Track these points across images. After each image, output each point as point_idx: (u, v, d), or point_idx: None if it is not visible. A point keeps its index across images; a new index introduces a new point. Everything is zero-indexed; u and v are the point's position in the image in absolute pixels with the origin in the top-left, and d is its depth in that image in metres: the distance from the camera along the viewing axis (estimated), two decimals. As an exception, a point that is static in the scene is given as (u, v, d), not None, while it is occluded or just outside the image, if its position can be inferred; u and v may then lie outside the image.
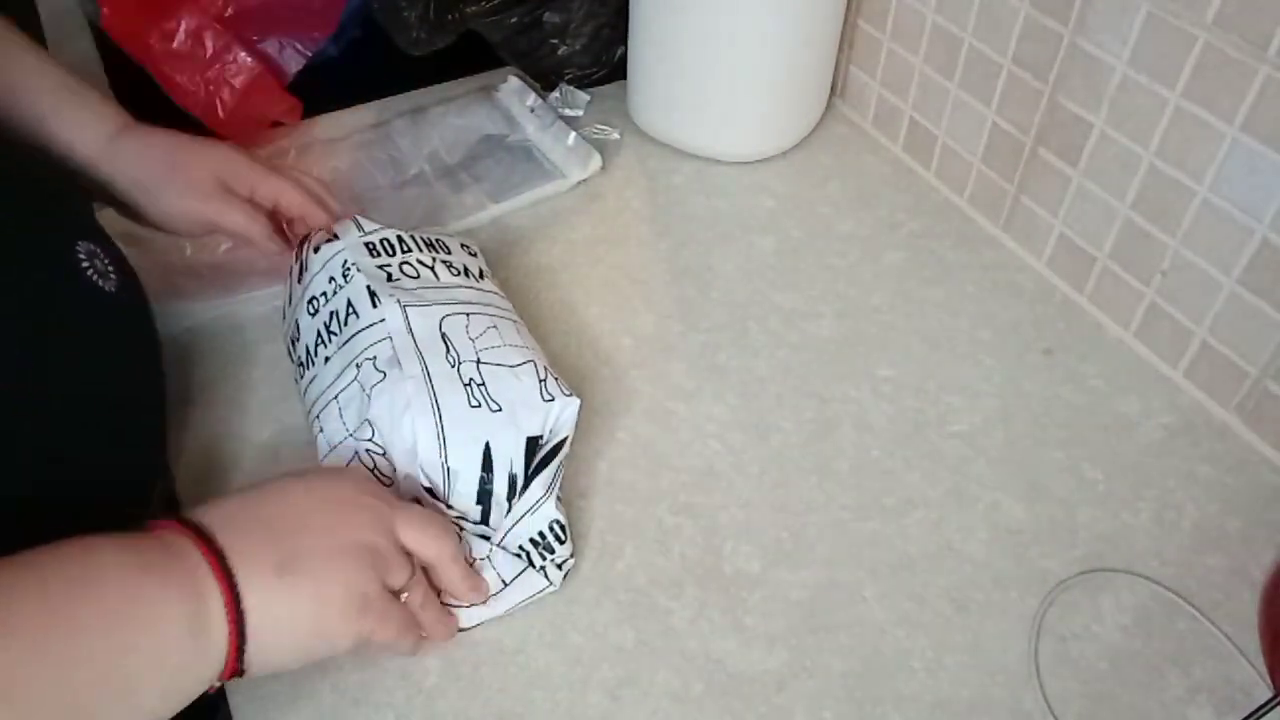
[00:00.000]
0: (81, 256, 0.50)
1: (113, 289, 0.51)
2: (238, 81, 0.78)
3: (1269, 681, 0.51)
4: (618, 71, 0.88)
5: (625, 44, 0.85)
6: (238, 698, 0.49)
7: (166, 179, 0.60)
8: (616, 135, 0.85)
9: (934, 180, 0.79)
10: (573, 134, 0.83)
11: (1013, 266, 0.74)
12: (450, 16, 0.82)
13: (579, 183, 0.80)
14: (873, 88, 0.86)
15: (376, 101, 0.89)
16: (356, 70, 0.92)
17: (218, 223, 0.62)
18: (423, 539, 0.48)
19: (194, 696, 0.40)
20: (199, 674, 0.40)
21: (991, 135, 0.75)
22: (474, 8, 0.82)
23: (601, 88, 0.90)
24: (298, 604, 0.42)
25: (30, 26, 0.79)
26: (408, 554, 0.47)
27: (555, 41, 0.85)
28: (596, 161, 0.81)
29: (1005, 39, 0.70)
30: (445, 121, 0.86)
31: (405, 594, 0.47)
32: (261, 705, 0.49)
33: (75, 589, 0.36)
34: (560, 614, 0.53)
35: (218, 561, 0.40)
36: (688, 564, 0.56)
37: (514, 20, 0.84)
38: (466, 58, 0.89)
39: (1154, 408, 0.64)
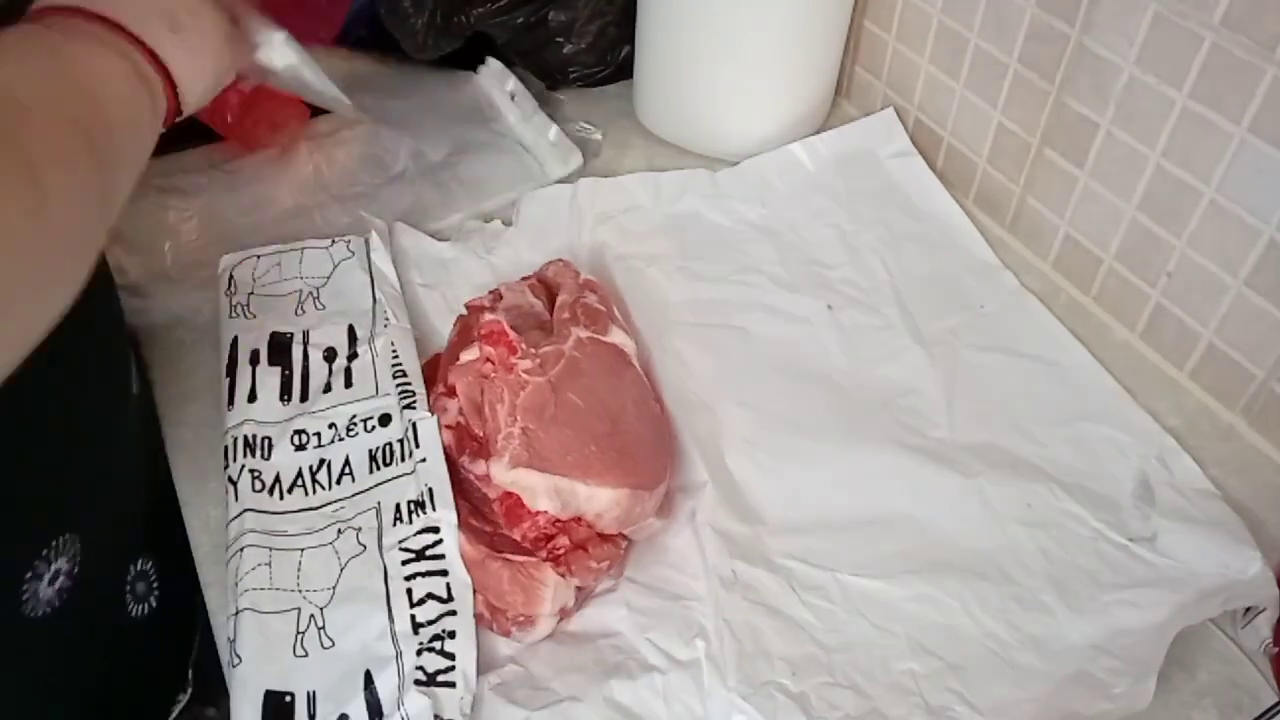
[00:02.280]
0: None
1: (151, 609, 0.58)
2: (245, 86, 0.78)
3: (1275, 685, 0.51)
4: (623, 70, 0.88)
5: (631, 43, 0.85)
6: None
7: None
8: (599, 135, 0.84)
9: (939, 181, 0.79)
10: (554, 128, 0.82)
11: (1018, 267, 0.73)
12: (456, 20, 0.82)
13: (559, 179, 0.80)
14: (878, 88, 0.86)
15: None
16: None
17: None
18: None
19: (158, 129, 0.50)
20: (154, 109, 0.49)
21: (997, 135, 0.75)
22: (480, 9, 0.82)
23: (607, 87, 0.90)
24: (195, 51, 0.52)
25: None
26: None
27: (560, 40, 0.85)
28: (577, 158, 0.81)
29: (1011, 39, 0.70)
30: (432, 122, 0.85)
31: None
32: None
33: (46, 51, 0.44)
34: None
35: (127, 32, 0.48)
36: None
37: (519, 20, 0.84)
38: (471, 56, 0.89)
39: (1159, 410, 0.64)
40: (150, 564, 0.59)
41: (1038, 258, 0.75)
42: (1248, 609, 0.53)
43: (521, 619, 0.51)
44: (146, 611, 0.58)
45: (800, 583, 0.54)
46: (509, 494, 0.52)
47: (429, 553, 0.52)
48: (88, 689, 0.55)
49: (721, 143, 0.82)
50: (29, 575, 0.47)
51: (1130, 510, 0.57)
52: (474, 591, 0.51)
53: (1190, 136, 0.60)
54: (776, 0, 0.75)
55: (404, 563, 0.52)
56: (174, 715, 0.63)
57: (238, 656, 0.49)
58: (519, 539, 0.53)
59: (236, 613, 0.51)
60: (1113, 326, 0.70)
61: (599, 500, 0.52)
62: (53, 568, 0.48)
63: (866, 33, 0.85)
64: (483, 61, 0.89)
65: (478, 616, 0.51)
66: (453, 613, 0.50)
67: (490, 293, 0.64)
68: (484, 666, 0.50)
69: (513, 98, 0.85)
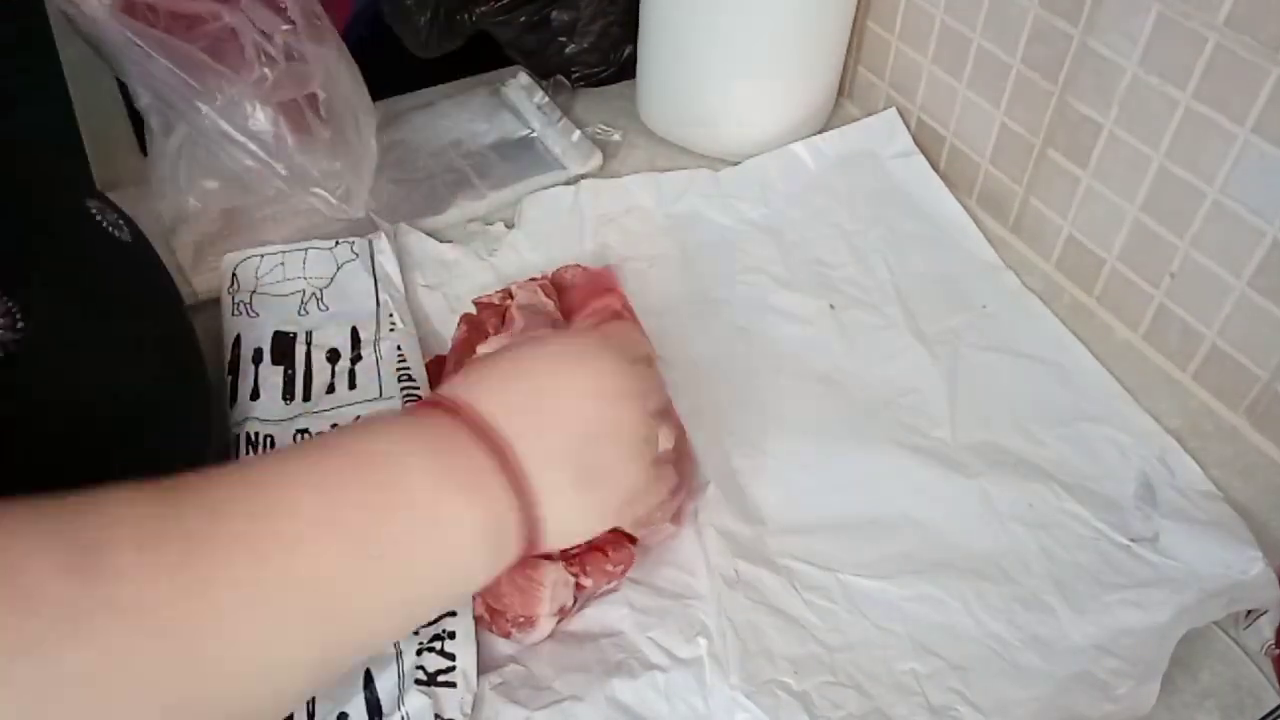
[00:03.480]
0: (93, 210, 0.51)
1: (128, 239, 0.52)
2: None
3: (1277, 687, 0.51)
4: (626, 70, 0.88)
5: (634, 43, 0.85)
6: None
7: None
8: (617, 136, 0.85)
9: (942, 181, 0.79)
10: (577, 131, 0.83)
11: (1021, 268, 0.73)
12: (459, 18, 0.82)
13: (578, 176, 0.80)
14: (880, 88, 0.86)
15: (384, 100, 0.89)
16: (364, 69, 0.92)
17: None
18: (665, 398, 0.48)
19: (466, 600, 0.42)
20: (480, 583, 0.40)
21: (1000, 136, 0.75)
22: (483, 8, 0.82)
23: (609, 86, 0.90)
24: (589, 513, 0.43)
25: (43, 36, 0.79)
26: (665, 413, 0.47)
27: (563, 40, 0.85)
28: (597, 159, 0.82)
29: (1015, 39, 0.70)
30: (453, 119, 0.86)
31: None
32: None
33: (382, 497, 0.36)
34: None
35: (514, 475, 0.39)
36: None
37: (522, 19, 0.84)
38: (474, 56, 0.89)
39: (1162, 411, 0.64)
40: None
41: (1040, 258, 0.75)
42: (1249, 611, 0.53)
43: (521, 620, 0.51)
44: None
45: (802, 582, 0.54)
46: None
47: None
48: None
49: (724, 143, 0.82)
50: None
51: (1132, 511, 0.57)
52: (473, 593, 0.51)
53: (1194, 137, 0.60)
54: (779, 0, 0.74)
55: None
56: None
57: None
58: None
59: None
60: (1115, 327, 0.69)
61: None
62: None
63: (869, 33, 0.85)
64: (484, 57, 0.89)
65: (478, 619, 0.51)
66: (453, 613, 0.50)
67: (500, 291, 0.64)
68: (485, 666, 0.50)
69: (539, 108, 0.85)
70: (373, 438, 0.38)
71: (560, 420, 0.42)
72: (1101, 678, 0.50)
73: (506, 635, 0.51)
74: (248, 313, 0.65)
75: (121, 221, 0.53)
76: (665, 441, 0.48)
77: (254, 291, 0.66)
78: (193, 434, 0.53)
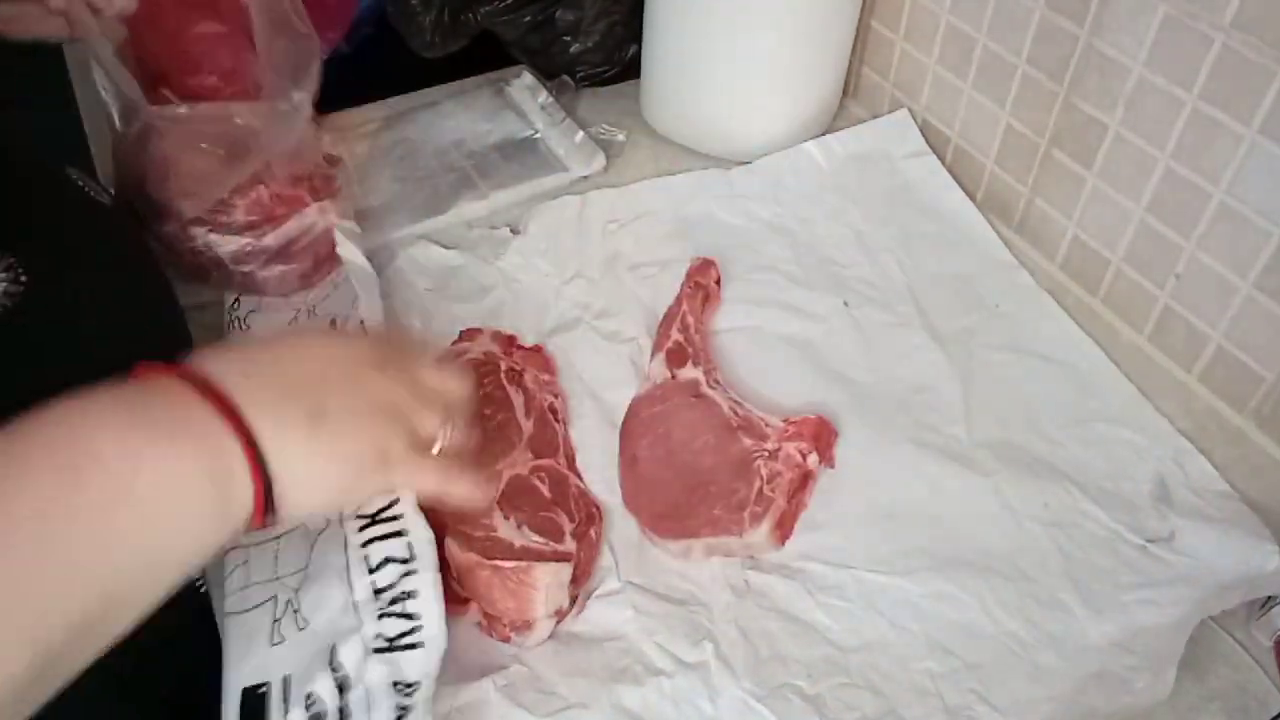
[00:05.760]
0: (74, 175, 0.54)
1: (107, 203, 0.55)
2: None
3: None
4: (630, 70, 0.88)
5: (638, 42, 0.85)
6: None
7: None
8: (621, 137, 0.85)
9: (947, 181, 0.79)
10: (580, 132, 0.83)
11: (1026, 268, 0.73)
12: (464, 18, 0.82)
13: (581, 178, 0.80)
14: (885, 88, 0.86)
15: (388, 99, 0.89)
16: (369, 67, 0.92)
17: None
18: (446, 381, 0.47)
19: (215, 552, 0.38)
20: (218, 538, 0.38)
21: (1005, 136, 0.74)
22: (488, 7, 0.82)
23: (614, 86, 0.90)
24: (326, 464, 0.41)
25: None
26: (436, 404, 0.46)
27: (568, 39, 0.85)
28: (600, 160, 0.81)
29: (1020, 40, 0.70)
30: (457, 119, 0.86)
31: (438, 444, 0.46)
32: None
33: (67, 479, 0.34)
34: None
35: (237, 419, 0.38)
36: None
37: (527, 19, 0.84)
38: (478, 55, 0.89)
39: (1167, 412, 0.63)
40: None
41: (1045, 259, 0.74)
42: (1265, 601, 0.53)
43: (517, 624, 0.51)
44: None
45: (816, 584, 0.54)
46: None
47: (383, 515, 0.49)
48: None
49: (727, 143, 0.82)
50: None
51: (1148, 511, 0.57)
52: (469, 601, 0.51)
53: (1200, 138, 0.59)
54: (784, 1, 0.74)
55: (360, 529, 0.49)
56: None
57: (226, 664, 0.49)
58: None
59: (220, 623, 0.50)
60: (1120, 329, 0.69)
61: None
62: None
63: (874, 33, 0.85)
64: (489, 56, 0.89)
65: (477, 624, 0.51)
66: (412, 572, 0.48)
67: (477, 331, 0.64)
68: (489, 667, 0.50)
69: (543, 108, 0.85)
70: (71, 404, 0.36)
71: (288, 371, 0.41)
72: (1119, 674, 0.50)
73: (506, 640, 0.51)
74: (240, 326, 0.66)
75: (99, 188, 0.56)
76: (444, 438, 0.46)
77: (253, 311, 0.67)
78: None
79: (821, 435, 0.58)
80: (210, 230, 0.65)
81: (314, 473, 0.40)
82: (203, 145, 0.63)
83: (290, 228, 0.67)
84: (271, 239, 0.66)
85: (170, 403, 0.37)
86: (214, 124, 0.63)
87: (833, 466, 0.59)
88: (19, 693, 0.32)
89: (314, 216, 0.67)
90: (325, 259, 0.68)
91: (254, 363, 0.41)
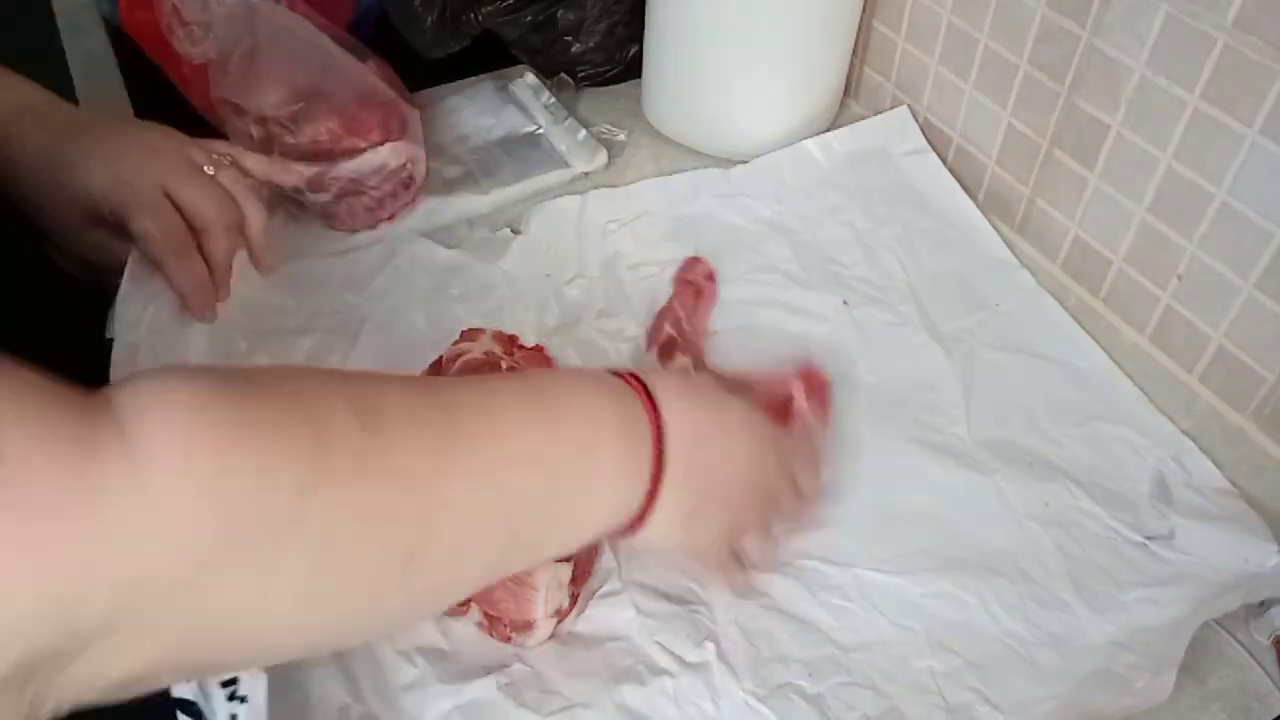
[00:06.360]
0: None
1: None
2: None
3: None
4: (632, 70, 0.88)
5: (639, 42, 0.85)
6: None
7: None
8: (622, 136, 0.85)
9: (948, 180, 0.79)
10: (582, 130, 0.83)
11: (1027, 268, 0.73)
12: (465, 18, 0.82)
13: (583, 174, 0.81)
14: (886, 88, 0.86)
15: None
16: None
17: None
18: (811, 473, 0.52)
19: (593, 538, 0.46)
20: (592, 534, 0.45)
21: (1007, 137, 0.74)
22: (489, 7, 0.82)
23: (615, 86, 0.90)
24: (680, 541, 0.48)
25: (44, 23, 0.79)
26: (794, 488, 0.51)
27: (569, 39, 0.85)
28: (602, 157, 0.81)
29: (1022, 40, 0.70)
30: (459, 115, 0.86)
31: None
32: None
33: (579, 435, 0.43)
34: None
35: (658, 466, 0.44)
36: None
37: (528, 18, 0.83)
38: (479, 56, 0.89)
39: (1169, 412, 0.63)
40: None
41: (1047, 259, 0.74)
42: (1262, 601, 0.53)
43: (518, 624, 0.51)
44: None
45: (817, 583, 0.54)
46: None
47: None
48: None
49: (729, 143, 0.82)
50: None
51: (1147, 510, 0.57)
52: (470, 602, 0.51)
53: (1202, 138, 0.59)
54: (785, 1, 0.74)
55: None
56: None
57: None
58: None
59: None
60: (1122, 329, 0.69)
61: None
62: None
63: (875, 33, 0.85)
64: (490, 56, 0.89)
65: (478, 625, 0.51)
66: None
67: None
68: (491, 666, 0.50)
69: (546, 108, 0.85)
70: (581, 387, 0.45)
71: (713, 471, 0.47)
72: (1119, 673, 0.50)
73: (507, 640, 0.51)
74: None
75: None
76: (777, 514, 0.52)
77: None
78: None
79: (812, 378, 0.57)
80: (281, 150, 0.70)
81: (676, 532, 0.47)
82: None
83: (362, 162, 0.71)
84: (344, 169, 0.70)
85: (636, 419, 0.44)
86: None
87: (827, 417, 0.58)
88: (491, 567, 0.41)
89: (386, 155, 0.71)
90: (390, 197, 0.74)
91: (695, 443, 0.46)
